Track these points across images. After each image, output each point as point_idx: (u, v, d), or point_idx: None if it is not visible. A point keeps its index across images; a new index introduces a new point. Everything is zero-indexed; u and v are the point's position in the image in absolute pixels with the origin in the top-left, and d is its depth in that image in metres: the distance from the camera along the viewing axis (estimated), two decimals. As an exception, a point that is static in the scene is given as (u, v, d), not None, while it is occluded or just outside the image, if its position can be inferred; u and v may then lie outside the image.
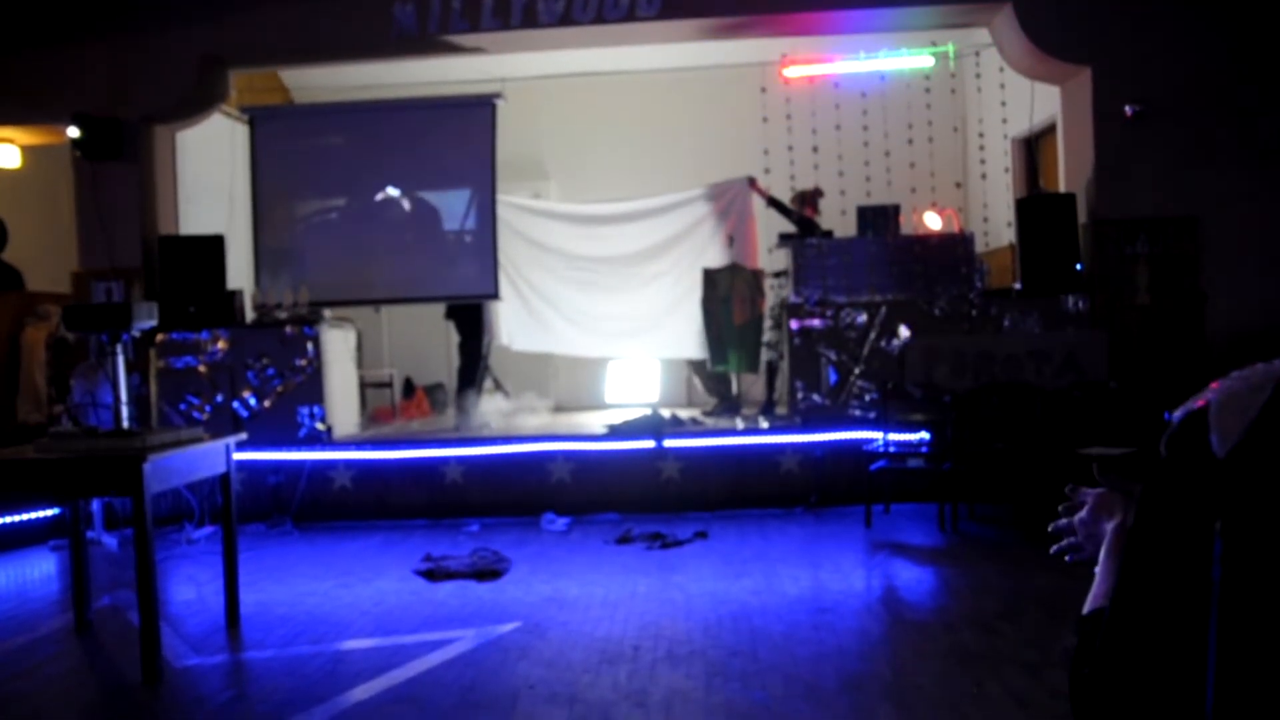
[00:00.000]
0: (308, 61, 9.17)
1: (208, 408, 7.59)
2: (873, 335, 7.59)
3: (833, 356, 7.62)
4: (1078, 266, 7.48)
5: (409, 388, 10.04)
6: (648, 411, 8.24)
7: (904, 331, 7.43)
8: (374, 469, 7.45)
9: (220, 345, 7.64)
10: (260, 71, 9.81)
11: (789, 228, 8.70)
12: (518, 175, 9.92)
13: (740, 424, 8.03)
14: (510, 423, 8.54)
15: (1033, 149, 9.78)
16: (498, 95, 8.66)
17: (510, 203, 9.11)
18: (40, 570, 6.39)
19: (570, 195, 10.52)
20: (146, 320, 4.74)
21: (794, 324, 7.71)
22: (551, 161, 10.92)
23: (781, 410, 8.27)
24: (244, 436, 5.23)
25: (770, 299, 8.58)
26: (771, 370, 8.60)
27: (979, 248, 8.59)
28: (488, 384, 9.19)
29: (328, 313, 8.10)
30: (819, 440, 7.34)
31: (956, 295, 7.67)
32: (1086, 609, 1.13)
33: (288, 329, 7.69)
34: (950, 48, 9.48)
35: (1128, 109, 7.40)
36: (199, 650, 4.57)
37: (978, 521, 6.73)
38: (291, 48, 8.24)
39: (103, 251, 7.94)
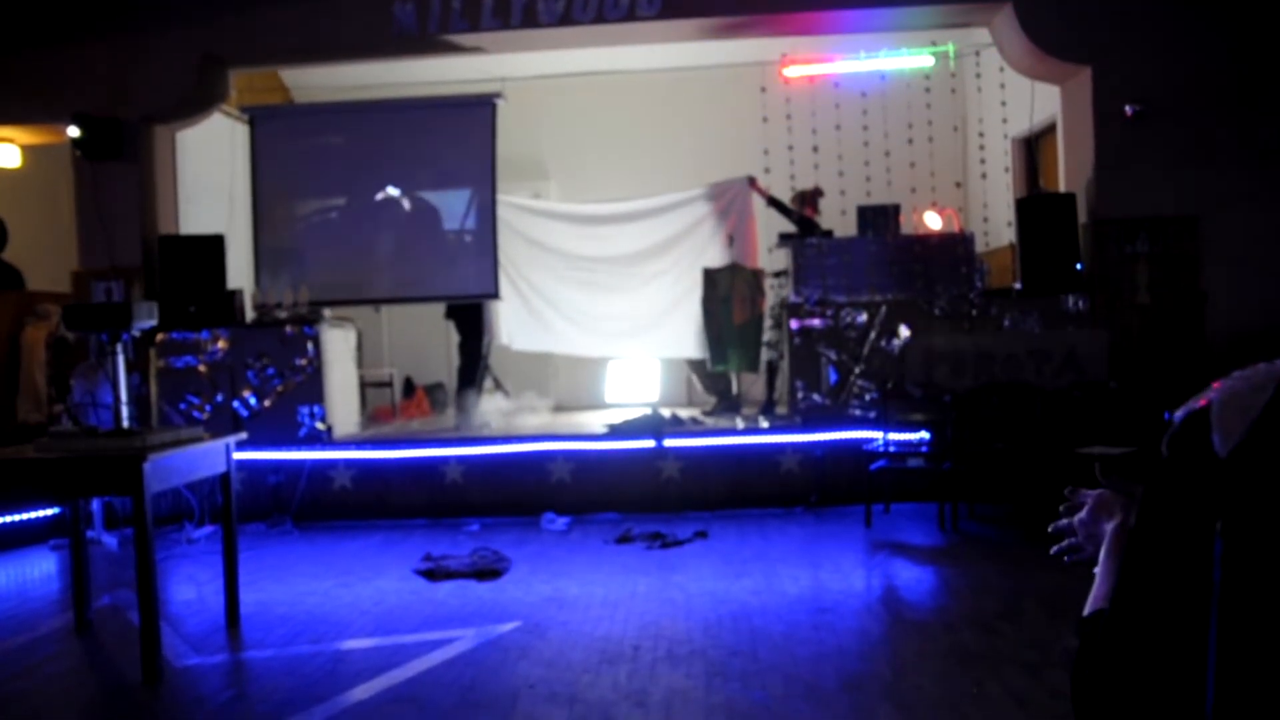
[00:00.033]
0: (308, 61, 9.18)
1: (208, 407, 7.59)
2: (873, 335, 7.59)
3: (833, 356, 7.62)
4: (1078, 266, 7.48)
5: (409, 387, 10.04)
6: (648, 411, 8.24)
7: (904, 331, 7.43)
8: (374, 469, 7.45)
9: (220, 345, 7.64)
10: (260, 71, 9.80)
11: (789, 227, 8.70)
12: (518, 175, 9.92)
13: (740, 424, 8.03)
14: (510, 422, 8.54)
15: (1033, 149, 9.78)
16: (498, 95, 8.66)
17: (510, 203, 9.11)
18: (40, 570, 6.39)
19: (570, 195, 10.52)
20: (146, 320, 4.74)
21: (794, 324, 7.71)
22: (551, 161, 10.91)
23: (781, 410, 8.27)
24: (244, 436, 5.22)
25: (770, 299, 8.58)
26: (771, 370, 8.60)
27: (979, 248, 8.59)
28: (488, 384, 9.20)
29: (328, 312, 8.10)
30: (819, 440, 7.34)
31: (956, 295, 7.67)
32: (1087, 610, 1.13)
33: (288, 329, 7.69)
34: (950, 47, 9.48)
35: (1128, 109, 7.40)
36: (199, 650, 4.57)
37: (978, 521, 6.73)
38: (291, 48, 8.24)
39: (103, 251, 7.94)
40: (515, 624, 4.75)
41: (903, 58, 9.41)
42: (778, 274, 8.54)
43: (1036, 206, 7.71)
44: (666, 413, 8.36)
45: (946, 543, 6.29)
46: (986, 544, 6.22)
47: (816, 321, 7.66)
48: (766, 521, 6.95)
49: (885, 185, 9.61)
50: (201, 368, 7.63)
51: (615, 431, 7.62)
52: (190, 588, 5.71)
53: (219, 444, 4.83)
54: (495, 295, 8.69)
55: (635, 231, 9.34)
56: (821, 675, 3.98)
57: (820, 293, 7.80)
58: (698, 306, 8.70)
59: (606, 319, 9.41)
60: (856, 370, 7.60)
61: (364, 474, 7.44)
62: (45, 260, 8.77)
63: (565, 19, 7.73)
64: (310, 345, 7.66)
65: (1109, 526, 1.24)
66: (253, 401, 7.61)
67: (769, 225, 9.08)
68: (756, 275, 8.60)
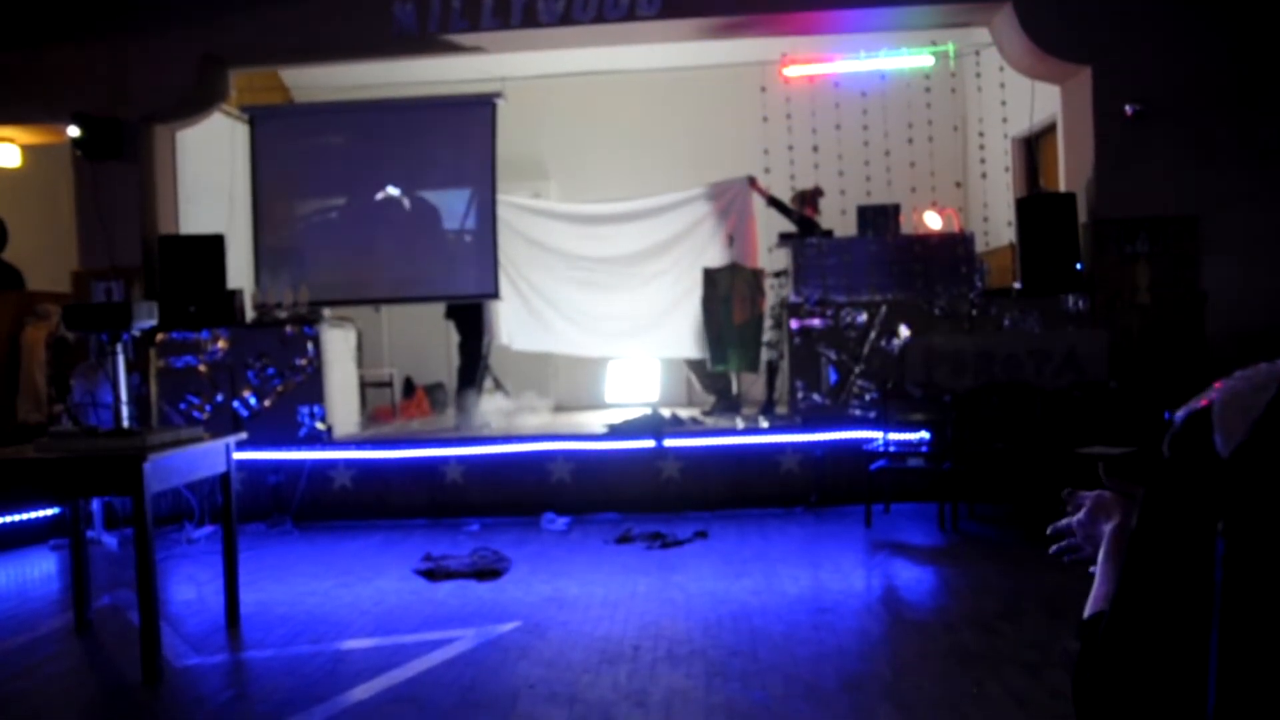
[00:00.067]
0: (308, 61, 9.18)
1: (208, 407, 7.59)
2: (873, 335, 7.59)
3: (833, 356, 7.62)
4: (1078, 266, 7.48)
5: (409, 387, 10.04)
6: (648, 411, 8.24)
7: (904, 331, 7.42)
8: (374, 469, 7.45)
9: (220, 345, 7.64)
10: (260, 71, 9.80)
11: (789, 227, 8.70)
12: (518, 175, 9.92)
13: (740, 424, 8.03)
14: (510, 422, 8.54)
15: (1033, 148, 9.78)
16: (498, 95, 8.66)
17: (510, 202, 9.11)
18: (40, 570, 6.39)
19: (570, 195, 10.51)
20: (146, 320, 4.74)
21: (794, 324, 7.71)
22: (551, 161, 10.91)
23: (781, 410, 8.27)
24: (244, 436, 5.22)
25: (770, 298, 8.58)
26: (771, 370, 8.60)
27: (979, 247, 8.59)
28: (488, 384, 9.20)
29: (327, 312, 8.10)
30: (819, 440, 7.34)
31: (956, 295, 7.67)
32: (1087, 613, 1.13)
33: (288, 328, 7.69)
34: (950, 47, 9.48)
35: (1128, 108, 7.40)
36: (199, 650, 4.57)
37: (978, 521, 6.73)
38: (291, 48, 8.24)
39: (103, 251, 7.94)
40: (515, 624, 4.75)
41: (903, 57, 9.41)
42: (778, 274, 8.54)
43: (1036, 206, 7.71)
44: (666, 413, 8.37)
45: (946, 543, 6.29)
46: (986, 544, 6.22)
47: (816, 321, 7.66)
48: (766, 521, 6.95)
49: (885, 185, 9.61)
50: (201, 368, 7.62)
51: (615, 431, 7.62)
52: (190, 588, 5.71)
53: (219, 444, 4.83)
54: (495, 295, 8.68)
55: (635, 231, 9.34)
56: (821, 675, 3.98)
57: (820, 293, 7.80)
58: (698, 306, 8.70)
59: (606, 319, 9.41)
60: (856, 370, 7.60)
61: (364, 474, 7.44)
62: (45, 260, 8.77)
63: (565, 19, 7.73)
64: (310, 345, 7.66)
65: (1107, 528, 1.24)
66: (253, 401, 7.61)
67: (769, 225, 9.08)
68: (756, 275, 8.60)
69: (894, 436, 6.94)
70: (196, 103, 8.28)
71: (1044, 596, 4.92)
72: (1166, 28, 7.47)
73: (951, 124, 10.43)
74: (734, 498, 7.29)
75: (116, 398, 4.58)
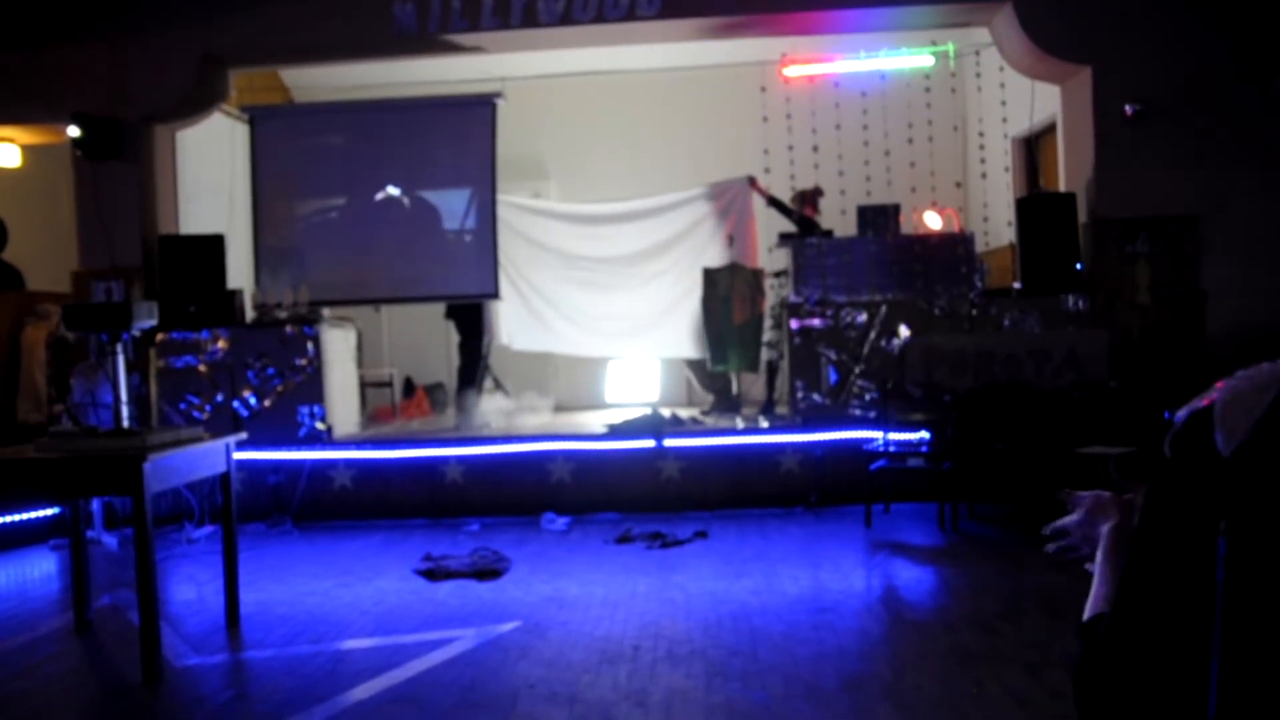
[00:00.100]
0: (308, 61, 9.18)
1: (208, 407, 7.59)
2: (873, 335, 7.59)
3: (833, 356, 7.62)
4: (1078, 266, 7.48)
5: (409, 387, 10.04)
6: (648, 411, 8.24)
7: (904, 331, 7.42)
8: (374, 468, 7.45)
9: (220, 345, 7.64)
10: (260, 71, 9.80)
11: (789, 227, 8.70)
12: (518, 175, 9.92)
13: (740, 424, 8.03)
14: (510, 422, 8.54)
15: (1033, 148, 9.78)
16: (498, 95, 8.66)
17: (510, 202, 9.10)
18: (40, 570, 6.39)
19: (570, 195, 10.51)
20: (146, 320, 4.74)
21: (794, 323, 7.70)
22: (551, 161, 10.91)
23: (781, 410, 8.27)
24: (244, 436, 5.22)
25: (770, 298, 8.58)
26: (771, 370, 8.60)
27: (979, 247, 8.59)
28: (488, 384, 9.20)
29: (327, 312, 8.10)
30: (819, 440, 7.34)
31: (956, 295, 7.67)
32: (1087, 615, 1.13)
33: (288, 328, 7.69)
34: (950, 47, 9.48)
35: (1128, 108, 7.40)
36: (199, 650, 4.57)
37: (978, 521, 6.73)
38: (291, 48, 8.24)
39: (103, 251, 7.94)
40: (515, 624, 4.75)
41: (903, 57, 9.41)
42: (778, 274, 8.54)
43: (1036, 206, 7.71)
44: (666, 413, 8.37)
45: (946, 543, 6.29)
46: (986, 544, 6.22)
47: (816, 321, 7.66)
48: (766, 521, 6.95)
49: (885, 185, 9.62)
50: (201, 368, 7.62)
51: (615, 431, 7.62)
52: (190, 588, 5.71)
53: (219, 444, 4.83)
54: (495, 295, 8.68)
55: (635, 231, 9.34)
56: (821, 675, 3.98)
57: (820, 293, 7.80)
58: (698, 306, 8.70)
59: (606, 319, 9.41)
60: (856, 370, 7.60)
61: (364, 474, 7.44)
62: (45, 260, 8.77)
63: (565, 19, 7.73)
64: (310, 345, 7.66)
65: (1105, 528, 1.24)
66: (253, 401, 7.60)
67: (769, 225, 9.08)
68: (756, 275, 8.60)
69: (894, 436, 6.94)
70: (196, 103, 8.28)
71: (1044, 596, 4.92)
72: (1166, 28, 7.47)
73: (951, 124, 10.44)
74: (734, 498, 7.29)
75: (116, 398, 4.58)
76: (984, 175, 10.22)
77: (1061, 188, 8.12)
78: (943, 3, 7.83)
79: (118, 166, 7.94)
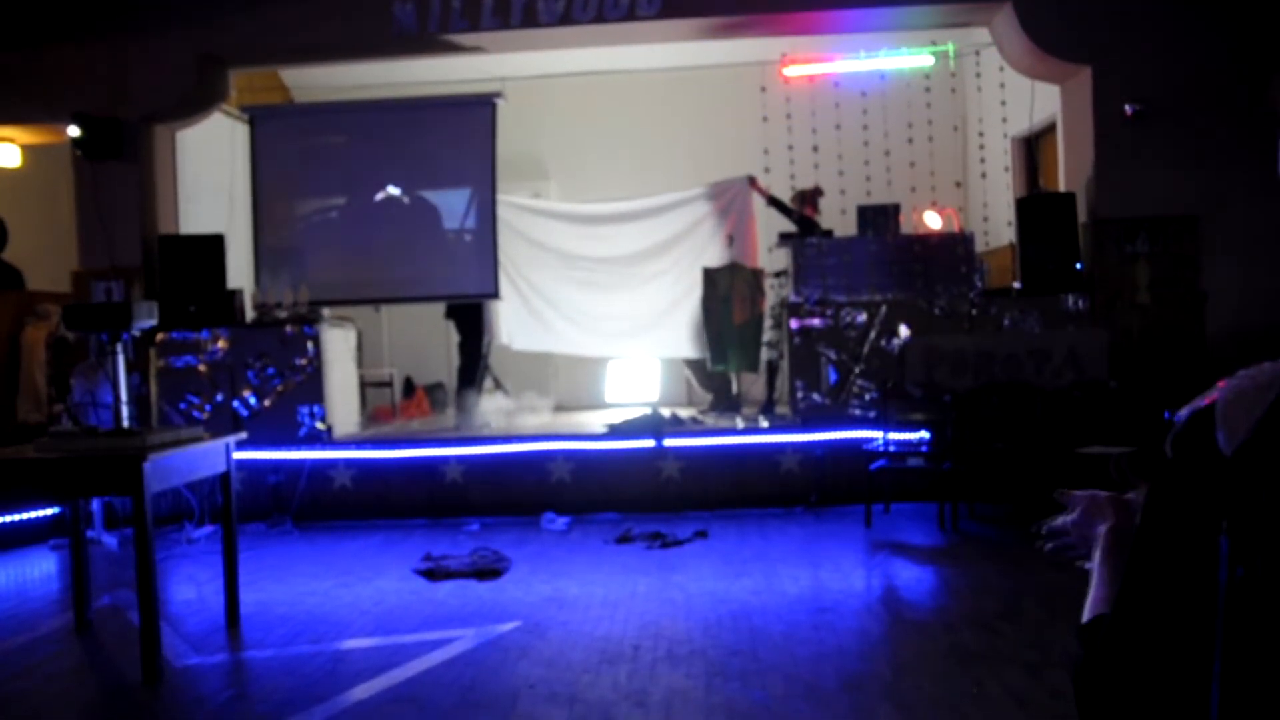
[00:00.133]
0: (308, 61, 9.18)
1: (208, 407, 7.59)
2: (873, 335, 7.59)
3: (833, 356, 7.62)
4: (1078, 266, 7.48)
5: (409, 387, 10.04)
6: (648, 411, 8.23)
7: (904, 331, 7.42)
8: (374, 468, 7.45)
9: (220, 344, 7.64)
10: (260, 71, 9.80)
11: (789, 227, 8.70)
12: (518, 175, 9.92)
13: (740, 423, 8.03)
14: (510, 422, 8.54)
15: (1033, 148, 9.78)
16: (498, 94, 8.66)
17: (510, 202, 9.10)
18: (40, 570, 6.39)
19: (570, 195, 10.51)
20: (146, 320, 4.74)
21: (794, 323, 7.70)
22: (551, 161, 10.91)
23: (781, 410, 8.27)
24: (244, 436, 5.22)
25: (770, 298, 8.58)
26: (771, 370, 8.60)
27: (979, 247, 8.59)
28: (488, 383, 9.20)
29: (327, 312, 8.10)
30: (819, 440, 7.34)
31: (956, 295, 7.67)
32: (1086, 617, 1.12)
33: (288, 328, 7.69)
34: (950, 47, 9.48)
35: (1128, 108, 7.40)
36: (199, 650, 4.57)
37: (978, 521, 6.73)
38: (291, 48, 8.24)
39: (103, 251, 7.94)
40: (515, 624, 4.75)
41: (903, 57, 9.41)
42: (778, 274, 8.54)
43: (1036, 206, 7.71)
44: (666, 412, 8.36)
45: (946, 543, 6.29)
46: (986, 544, 6.22)
47: (816, 321, 7.66)
48: (766, 521, 6.95)
49: (885, 185, 9.62)
50: (201, 367, 7.62)
51: (615, 431, 7.62)
52: (190, 588, 5.71)
53: (219, 444, 4.83)
54: (495, 295, 8.68)
55: (635, 231, 9.34)
56: (821, 675, 3.98)
57: (820, 292, 7.80)
58: (697, 306, 8.70)
59: (606, 319, 9.41)
60: (856, 370, 7.60)
61: (364, 474, 7.44)
62: (45, 260, 8.76)
63: (565, 19, 7.73)
64: (310, 345, 7.66)
65: (1102, 529, 1.24)
66: (253, 401, 7.60)
67: (769, 225, 9.08)
68: (756, 275, 8.60)
69: (894, 436, 6.94)
70: (196, 103, 8.28)
71: (1044, 596, 4.92)
72: (1166, 28, 7.47)
73: (951, 124, 10.44)
74: (734, 498, 7.29)
75: (116, 398, 4.58)
76: (984, 175, 10.22)
77: (1061, 188, 8.12)
78: (943, 3, 7.82)
79: (118, 166, 7.94)
